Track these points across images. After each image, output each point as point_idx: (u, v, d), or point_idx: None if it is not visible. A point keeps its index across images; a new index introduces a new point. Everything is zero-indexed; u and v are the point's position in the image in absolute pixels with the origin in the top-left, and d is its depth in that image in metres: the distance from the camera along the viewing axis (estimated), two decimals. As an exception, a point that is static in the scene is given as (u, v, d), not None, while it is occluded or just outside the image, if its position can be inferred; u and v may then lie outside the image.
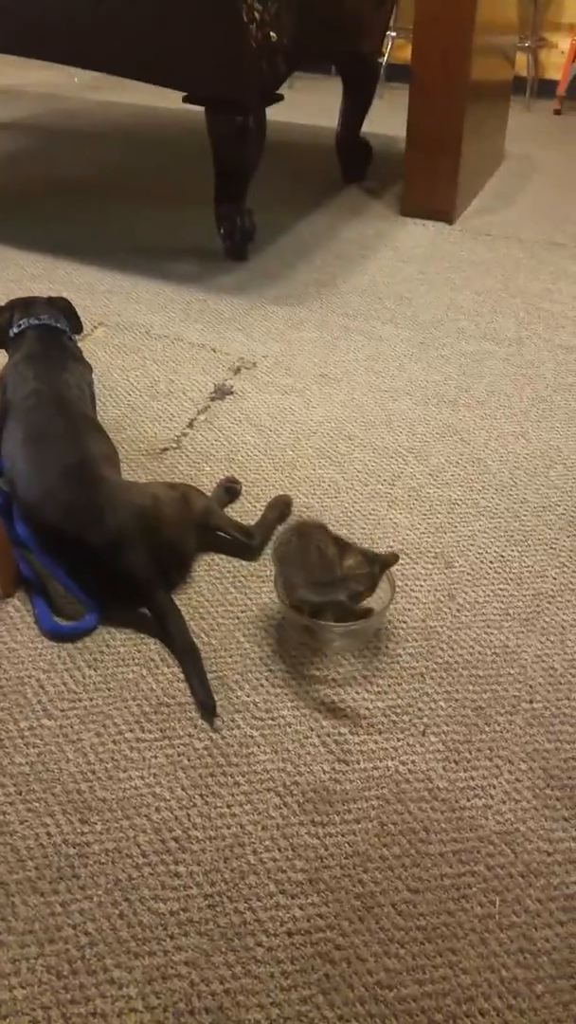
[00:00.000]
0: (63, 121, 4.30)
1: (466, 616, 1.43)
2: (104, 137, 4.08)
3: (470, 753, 1.21)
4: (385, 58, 4.98)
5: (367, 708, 1.26)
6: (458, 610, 1.44)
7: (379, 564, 1.32)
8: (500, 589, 1.48)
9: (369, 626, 1.36)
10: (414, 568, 1.52)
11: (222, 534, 1.53)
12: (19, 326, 1.77)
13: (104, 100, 4.71)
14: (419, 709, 1.27)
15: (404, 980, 0.96)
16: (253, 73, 2.36)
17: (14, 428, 1.55)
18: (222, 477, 1.69)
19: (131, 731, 1.22)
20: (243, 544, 1.52)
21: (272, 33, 2.32)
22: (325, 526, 1.39)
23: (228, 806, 1.13)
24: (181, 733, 1.22)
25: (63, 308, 1.87)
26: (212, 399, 1.99)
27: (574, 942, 1.00)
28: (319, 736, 1.22)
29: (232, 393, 2.01)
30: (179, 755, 1.19)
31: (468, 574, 1.51)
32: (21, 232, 2.89)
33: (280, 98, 2.57)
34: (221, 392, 2.01)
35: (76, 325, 1.90)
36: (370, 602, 1.33)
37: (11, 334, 1.78)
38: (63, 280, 2.56)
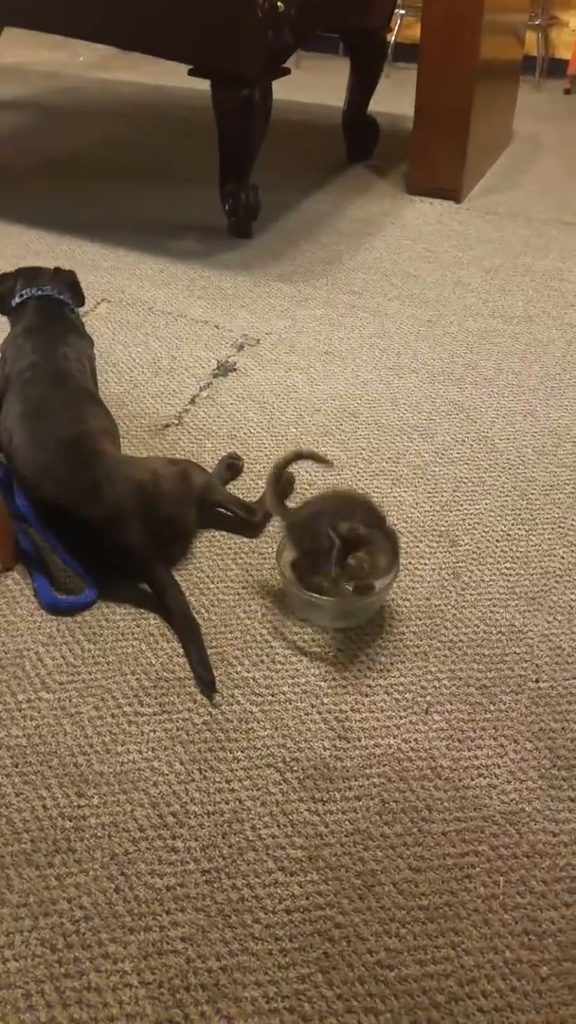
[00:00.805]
0: (68, 99, 4.26)
1: (471, 595, 1.40)
2: (109, 115, 4.04)
3: (474, 732, 1.19)
4: (393, 36, 4.93)
5: (369, 686, 1.24)
6: (463, 588, 1.42)
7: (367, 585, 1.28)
8: (506, 568, 1.46)
9: (372, 603, 1.33)
10: (418, 546, 1.50)
11: (223, 510, 1.51)
12: (21, 296, 1.77)
13: (109, 78, 4.67)
14: (422, 687, 1.24)
15: (405, 960, 0.94)
16: (259, 43, 2.32)
17: (13, 402, 1.54)
18: (224, 453, 1.66)
19: (130, 705, 1.20)
20: (244, 520, 1.50)
21: (279, 3, 2.28)
22: (352, 504, 1.33)
23: (227, 781, 1.11)
24: (180, 708, 1.20)
25: (68, 281, 1.86)
26: (215, 375, 1.96)
27: (579, 923, 0.98)
28: (320, 713, 1.20)
29: (235, 370, 1.99)
30: (178, 730, 1.17)
31: (474, 553, 1.49)
32: (25, 209, 2.86)
33: (286, 71, 2.54)
34: (224, 369, 1.98)
35: (78, 298, 1.88)
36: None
37: (13, 304, 1.77)
38: (66, 256, 2.53)
